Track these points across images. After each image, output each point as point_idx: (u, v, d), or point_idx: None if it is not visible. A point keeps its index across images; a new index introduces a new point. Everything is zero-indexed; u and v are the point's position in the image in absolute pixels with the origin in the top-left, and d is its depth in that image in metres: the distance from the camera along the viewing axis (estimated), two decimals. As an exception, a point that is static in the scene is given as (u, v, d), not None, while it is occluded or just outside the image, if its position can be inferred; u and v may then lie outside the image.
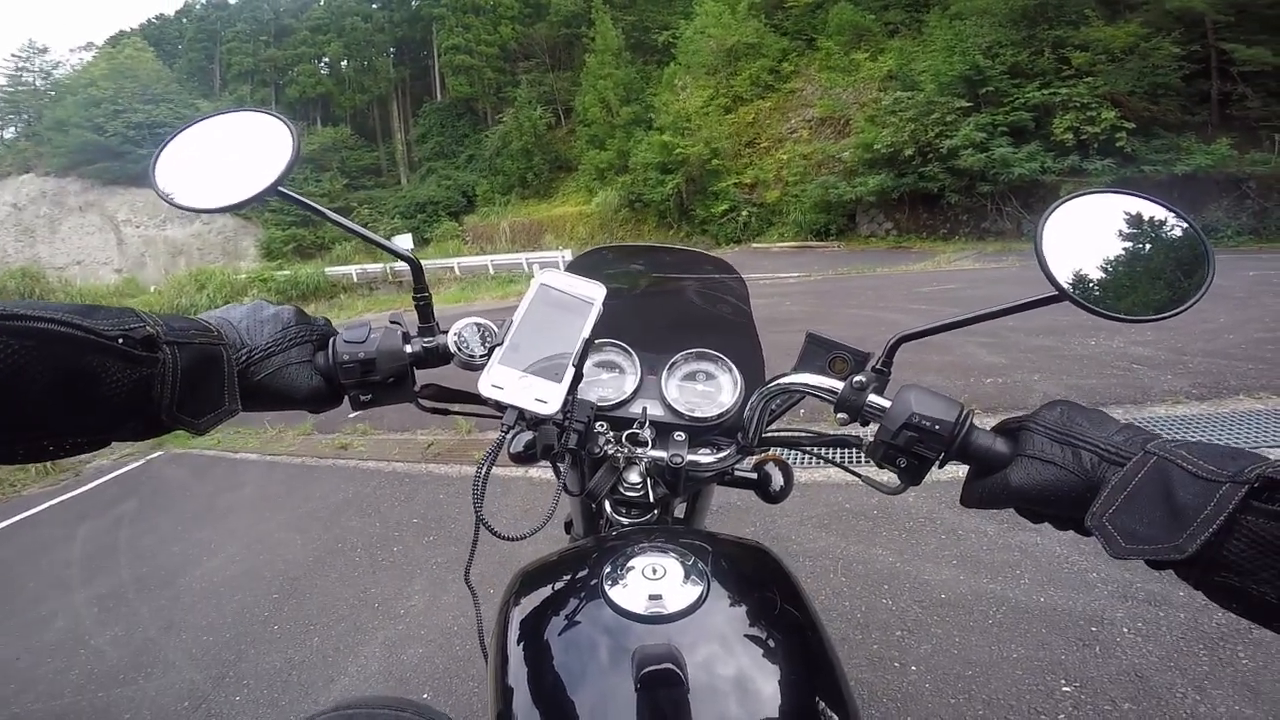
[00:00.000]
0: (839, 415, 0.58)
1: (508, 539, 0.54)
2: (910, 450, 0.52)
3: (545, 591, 0.54)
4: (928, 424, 0.51)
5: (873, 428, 0.56)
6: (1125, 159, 12.68)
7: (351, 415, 5.16)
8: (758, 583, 0.54)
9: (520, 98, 32.14)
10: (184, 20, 46.48)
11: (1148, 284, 0.52)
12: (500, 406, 0.54)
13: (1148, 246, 0.53)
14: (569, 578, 0.55)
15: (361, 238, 0.65)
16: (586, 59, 29.60)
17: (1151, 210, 0.54)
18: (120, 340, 0.40)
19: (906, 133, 15.16)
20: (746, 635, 0.47)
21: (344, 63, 42.17)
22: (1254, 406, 3.26)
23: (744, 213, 20.11)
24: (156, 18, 48.89)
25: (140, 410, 0.42)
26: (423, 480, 3.88)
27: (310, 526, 3.47)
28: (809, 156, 18.93)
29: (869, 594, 2.22)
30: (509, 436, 0.56)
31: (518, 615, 0.52)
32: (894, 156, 15.48)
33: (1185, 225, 0.53)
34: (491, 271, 20.30)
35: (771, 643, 0.47)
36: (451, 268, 21.43)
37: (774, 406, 0.68)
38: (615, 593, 0.48)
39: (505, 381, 0.54)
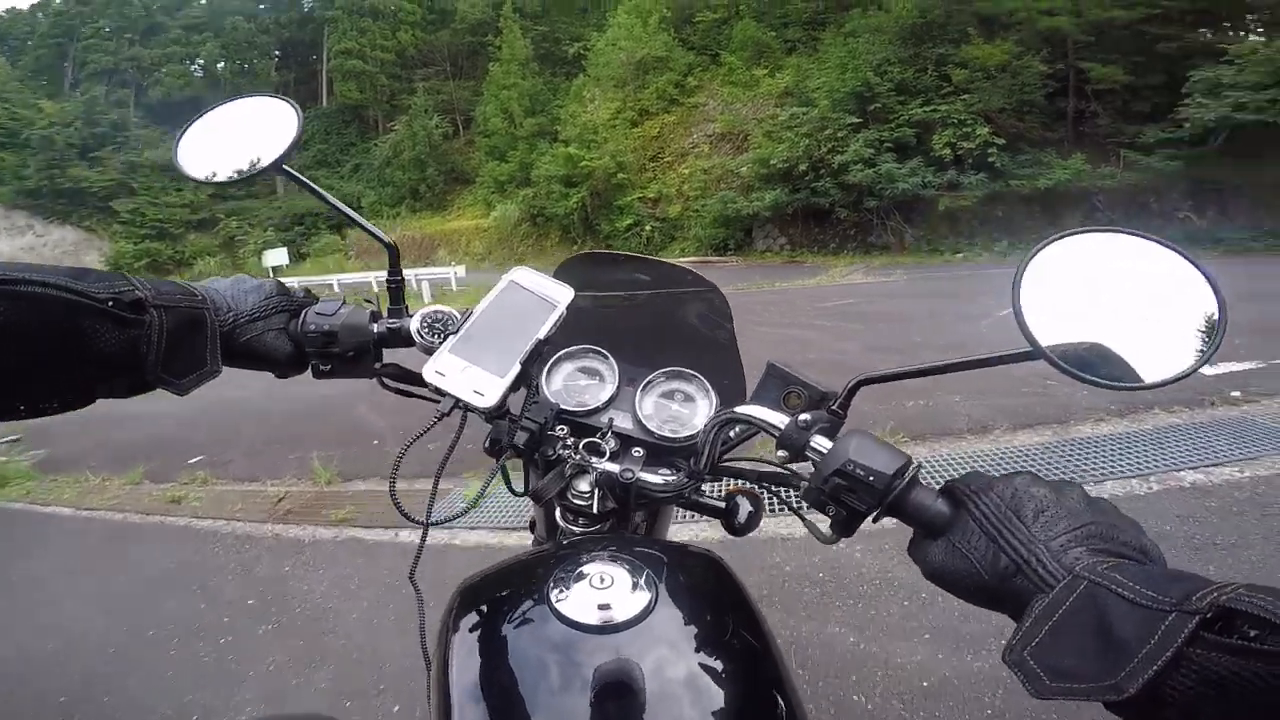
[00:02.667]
0: (779, 452, 0.59)
1: (418, 523, 0.59)
2: (839, 499, 0.52)
3: (491, 603, 0.57)
4: (861, 474, 0.50)
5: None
6: (996, 174, 13.97)
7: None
8: (707, 590, 0.58)
9: (416, 105, 32.31)
10: (39, 15, 44.68)
11: (1141, 342, 0.49)
12: (440, 394, 0.59)
13: (1144, 295, 0.50)
14: (515, 586, 0.58)
15: (354, 222, 0.74)
16: (491, 68, 30.12)
17: (1150, 252, 0.51)
18: (111, 303, 0.45)
19: (801, 148, 16.24)
20: (695, 642, 0.50)
21: (220, 64, 41.34)
22: (1172, 421, 3.49)
23: (647, 227, 20.79)
24: (7, 11, 46.93)
25: (127, 370, 0.49)
26: (266, 546, 3.42)
27: (119, 605, 3.01)
28: (709, 171, 19.87)
29: (835, 688, 1.92)
30: (437, 423, 0.61)
31: (461, 624, 0.54)
32: (789, 172, 16.53)
33: (1192, 270, 0.49)
34: (376, 289, 20.09)
35: (721, 649, 0.50)
36: (330, 285, 21.11)
37: (732, 435, 0.71)
38: (562, 603, 0.50)
39: (449, 370, 0.60)
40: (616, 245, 21.00)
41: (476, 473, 3.33)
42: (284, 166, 0.69)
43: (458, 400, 0.59)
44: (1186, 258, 0.50)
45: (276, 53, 42.04)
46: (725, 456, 0.71)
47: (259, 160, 0.69)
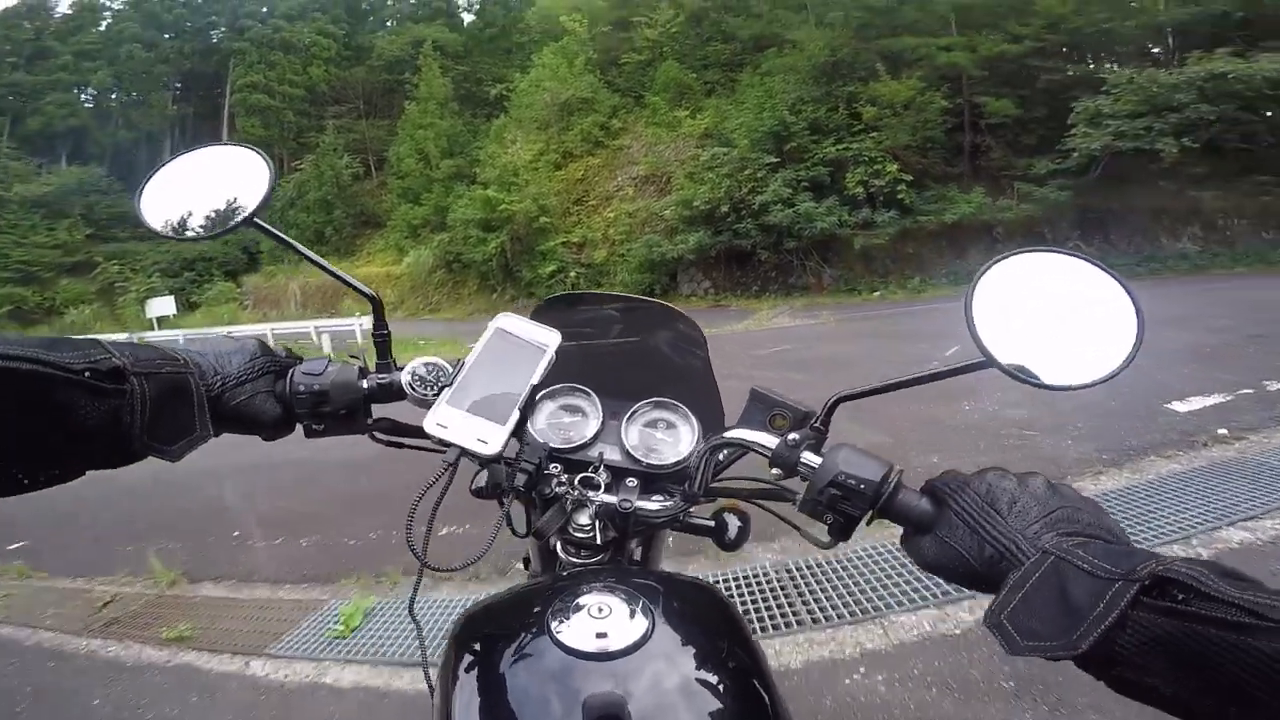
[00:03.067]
0: (773, 470, 0.65)
1: (437, 570, 0.61)
2: (835, 507, 0.58)
3: (492, 629, 0.60)
4: (853, 483, 0.57)
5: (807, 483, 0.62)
6: (905, 210, 14.53)
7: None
8: (703, 619, 0.60)
9: (325, 144, 31.21)
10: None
11: (1076, 348, 0.56)
12: (444, 444, 0.61)
13: (1077, 308, 0.57)
14: (516, 616, 0.60)
15: (332, 275, 0.73)
16: (407, 106, 29.57)
17: (1080, 269, 0.58)
18: (87, 374, 0.45)
19: (722, 189, 16.44)
20: (692, 670, 0.52)
21: (114, 94, 39.26)
22: (1172, 468, 3.35)
23: (572, 274, 20.14)
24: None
25: (111, 440, 0.48)
26: (79, 666, 2.83)
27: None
28: (634, 214, 19.74)
29: None
30: (446, 473, 0.62)
31: (465, 653, 0.57)
32: (711, 213, 16.65)
33: (1114, 284, 0.57)
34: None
35: (716, 677, 0.52)
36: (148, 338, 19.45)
37: (720, 458, 0.74)
38: (561, 631, 0.52)
39: (449, 421, 0.62)
40: (540, 293, 20.48)
41: (359, 580, 3.11)
42: (256, 220, 0.69)
43: (463, 450, 0.61)
44: (1109, 273, 0.58)
45: (178, 85, 40.20)
46: (715, 479, 0.76)
47: (229, 213, 0.69)
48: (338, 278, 0.73)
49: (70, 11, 40.97)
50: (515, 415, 0.63)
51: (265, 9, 39.68)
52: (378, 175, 32.85)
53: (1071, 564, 0.44)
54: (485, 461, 0.66)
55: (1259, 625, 0.35)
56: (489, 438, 0.61)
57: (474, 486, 0.74)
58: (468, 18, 38.91)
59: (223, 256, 30.06)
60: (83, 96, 39.23)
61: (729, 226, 16.53)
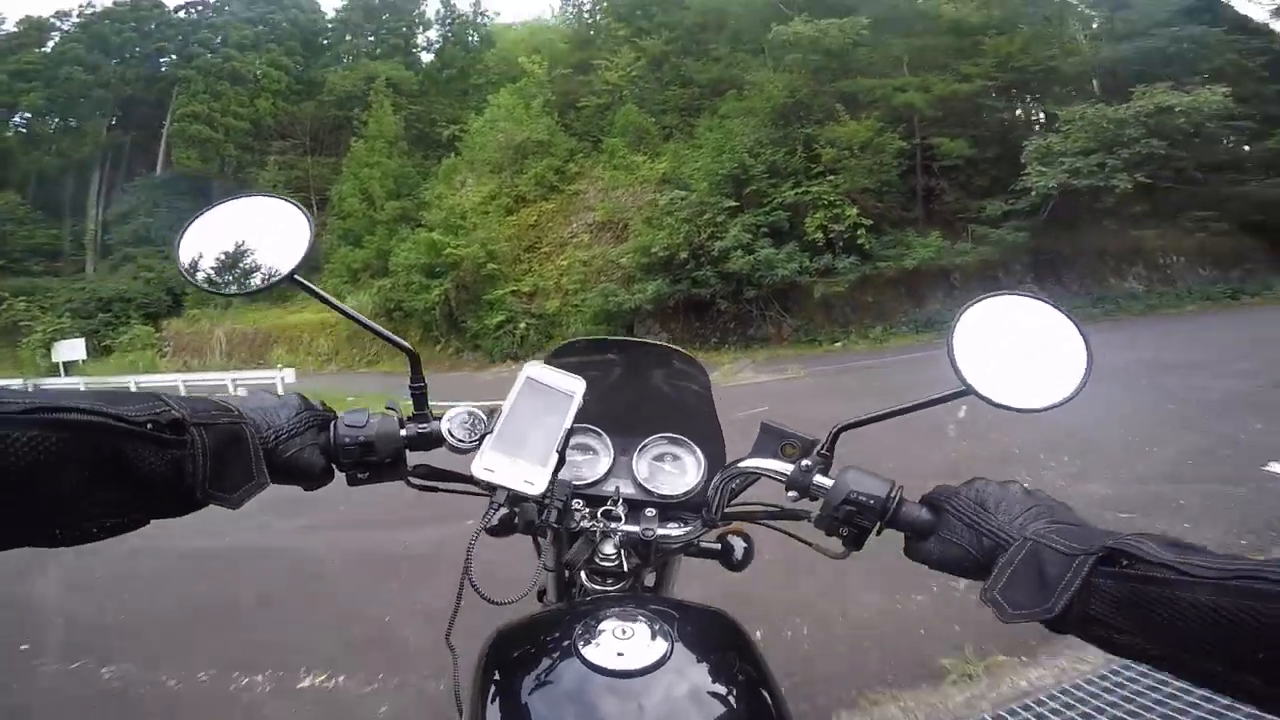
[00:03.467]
0: (789, 493, 0.73)
1: (494, 602, 0.65)
2: (850, 521, 0.67)
3: (521, 647, 0.65)
4: (863, 499, 0.66)
5: (821, 502, 0.71)
6: (865, 256, 14.32)
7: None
8: (719, 644, 0.65)
9: (264, 180, 30.07)
10: None
11: (1038, 377, 0.66)
12: (491, 487, 0.68)
13: (1038, 343, 0.67)
14: (544, 636, 0.65)
15: (369, 329, 0.76)
16: (354, 144, 28.83)
17: (1040, 310, 0.69)
18: (149, 425, 0.47)
19: (681, 234, 15.92)
20: (708, 690, 0.57)
21: (47, 118, 37.12)
22: None
23: (522, 324, 19.31)
24: None
25: (174, 489, 0.51)
26: None
27: None
28: (590, 262, 19.11)
29: None
30: (495, 513, 0.69)
31: (494, 669, 0.62)
32: (670, 260, 16.09)
33: (1068, 323, 0.68)
34: (183, 393, 16.89)
35: (731, 698, 0.56)
36: (128, 386, 17.63)
37: (734, 486, 0.83)
38: (586, 650, 0.57)
39: (496, 465, 0.67)
40: (486, 345, 19.65)
41: None
42: (296, 277, 0.70)
43: (510, 490, 0.66)
44: (1065, 314, 0.68)
45: (117, 111, 38.24)
46: (728, 504, 0.85)
47: (268, 268, 0.71)
48: (375, 332, 0.76)
49: (17, 29, 39.07)
50: (555, 458, 0.67)
51: (219, 38, 38.49)
52: (319, 215, 31.50)
53: (1046, 545, 0.52)
54: (523, 500, 0.72)
55: (1185, 580, 0.43)
56: (534, 479, 0.66)
57: (488, 525, 0.76)
58: (427, 58, 38.20)
59: (143, 297, 28.14)
60: (13, 119, 37.13)
61: (688, 274, 16.04)
